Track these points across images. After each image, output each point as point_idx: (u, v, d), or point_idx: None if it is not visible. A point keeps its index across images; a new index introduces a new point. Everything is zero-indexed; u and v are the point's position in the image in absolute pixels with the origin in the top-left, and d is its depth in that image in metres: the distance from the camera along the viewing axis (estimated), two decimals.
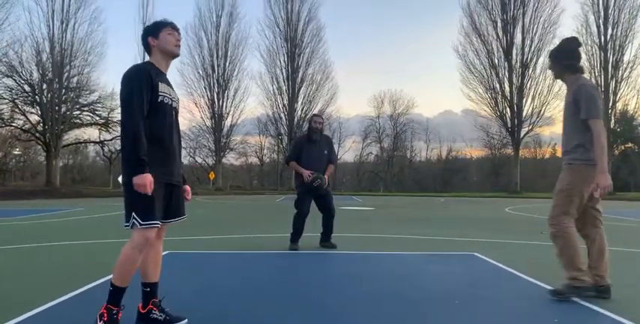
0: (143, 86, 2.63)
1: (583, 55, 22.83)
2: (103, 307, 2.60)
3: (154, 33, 2.87)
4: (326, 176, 5.96)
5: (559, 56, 3.65)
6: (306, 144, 6.04)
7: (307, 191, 5.93)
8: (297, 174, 6.04)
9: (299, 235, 6.01)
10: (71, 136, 38.53)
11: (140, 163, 2.54)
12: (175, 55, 2.91)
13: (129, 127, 2.56)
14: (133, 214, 2.59)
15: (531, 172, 46.35)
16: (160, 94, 2.72)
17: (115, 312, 2.59)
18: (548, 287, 3.76)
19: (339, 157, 51.47)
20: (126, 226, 2.62)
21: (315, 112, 39.51)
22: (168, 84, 2.85)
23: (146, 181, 2.52)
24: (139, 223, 2.58)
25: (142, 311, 2.79)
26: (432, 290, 3.77)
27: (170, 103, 2.80)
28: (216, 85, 39.62)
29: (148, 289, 2.81)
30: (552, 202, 3.61)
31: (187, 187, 2.98)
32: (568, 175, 3.55)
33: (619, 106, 34.81)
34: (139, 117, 2.58)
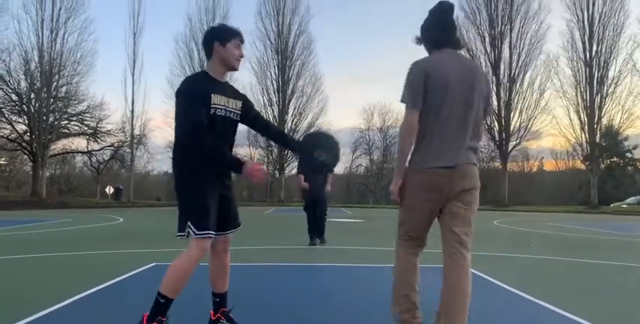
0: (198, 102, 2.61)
1: (568, 71, 22.88)
2: (145, 318, 2.54)
3: (223, 40, 2.75)
4: (329, 185, 7.83)
5: (422, 31, 2.72)
6: None
7: (314, 197, 7.76)
8: (305, 186, 7.81)
9: (313, 230, 7.79)
10: (58, 146, 38.12)
11: (232, 160, 2.66)
12: (234, 70, 2.86)
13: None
14: (189, 223, 2.55)
15: (519, 185, 46.72)
16: (212, 106, 2.66)
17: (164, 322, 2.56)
18: (537, 301, 3.79)
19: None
20: (180, 235, 2.58)
21: (305, 124, 39.76)
22: (225, 93, 2.77)
23: (256, 166, 2.64)
24: (194, 232, 2.54)
25: (213, 318, 2.88)
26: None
27: (224, 114, 2.73)
28: None
29: (218, 299, 2.89)
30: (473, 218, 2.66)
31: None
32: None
33: (604, 121, 35.32)
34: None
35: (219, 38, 2.76)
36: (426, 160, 2.48)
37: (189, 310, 3.44)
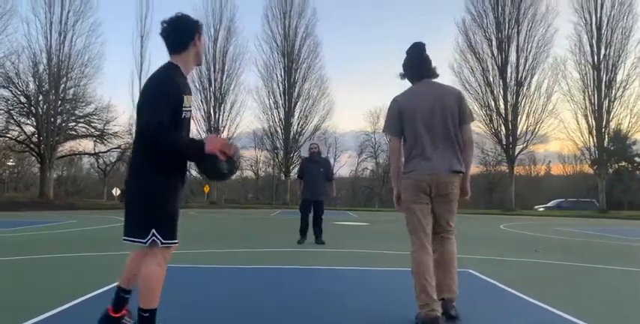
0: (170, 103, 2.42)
1: (576, 74, 23.42)
2: None
3: (200, 33, 2.59)
4: (332, 192, 8.80)
5: (403, 66, 3.40)
6: (309, 163, 8.42)
7: (308, 199, 8.29)
8: (303, 187, 8.38)
9: (305, 230, 8.27)
10: (66, 147, 38.36)
11: (194, 142, 2.46)
12: (200, 66, 2.75)
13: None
14: (153, 231, 2.39)
15: (526, 189, 46.48)
16: (183, 109, 2.49)
17: None
18: (543, 305, 3.74)
19: (335, 172, 52.02)
20: (139, 241, 2.42)
21: (311, 127, 39.72)
22: (190, 92, 2.61)
23: (214, 139, 2.45)
24: (161, 241, 2.39)
25: (115, 315, 2.60)
26: None
27: (189, 115, 2.57)
28: (212, 98, 39.71)
29: (127, 296, 2.64)
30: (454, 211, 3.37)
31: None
32: None
33: (612, 125, 35.08)
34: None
35: (199, 31, 2.59)
36: (412, 171, 3.19)
37: (190, 313, 3.43)
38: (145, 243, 2.41)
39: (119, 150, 40.22)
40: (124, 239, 2.51)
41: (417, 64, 3.32)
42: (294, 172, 41.77)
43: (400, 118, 3.23)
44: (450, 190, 3.17)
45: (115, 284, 2.75)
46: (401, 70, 3.38)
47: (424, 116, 3.16)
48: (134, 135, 2.55)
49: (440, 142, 3.16)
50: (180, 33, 2.54)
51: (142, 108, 2.46)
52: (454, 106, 3.21)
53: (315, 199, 8.34)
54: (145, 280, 2.43)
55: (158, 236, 2.40)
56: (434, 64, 3.35)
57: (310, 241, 8.28)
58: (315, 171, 8.30)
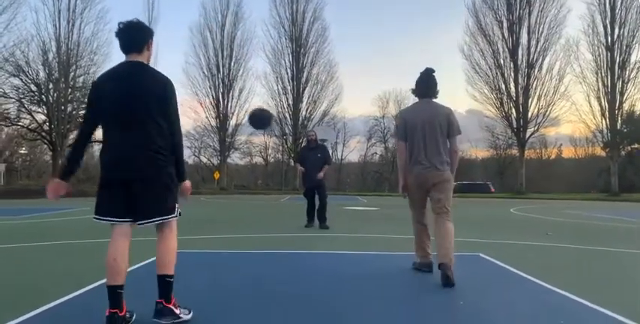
0: None
1: (588, 56, 26.07)
2: (171, 302, 2.74)
3: (153, 40, 2.90)
4: (321, 173, 8.38)
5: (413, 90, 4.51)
6: (307, 151, 8.67)
7: (309, 184, 8.51)
8: (303, 175, 8.61)
9: (312, 213, 8.55)
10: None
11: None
12: None
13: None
14: (177, 205, 2.85)
15: (536, 172, 46.17)
16: None
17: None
18: (555, 289, 3.73)
19: (343, 156, 52.69)
20: (173, 217, 2.82)
21: (320, 112, 39.77)
22: None
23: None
24: (180, 213, 2.90)
25: (122, 314, 2.64)
26: (436, 291, 3.74)
27: None
28: (221, 84, 39.67)
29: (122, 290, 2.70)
30: (447, 197, 4.26)
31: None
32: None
33: (625, 106, 34.60)
34: None
35: (153, 38, 2.90)
36: (413, 169, 4.29)
37: (207, 298, 3.46)
38: (177, 216, 2.85)
39: None
40: (144, 222, 2.75)
41: (426, 85, 4.41)
42: None
43: (405, 128, 4.31)
44: (440, 181, 4.22)
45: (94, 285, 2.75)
46: (412, 86, 4.47)
47: (423, 129, 4.23)
48: (152, 124, 2.74)
49: (433, 148, 4.22)
50: (144, 36, 2.86)
51: (172, 110, 2.82)
52: (445, 122, 4.27)
53: (315, 184, 8.49)
54: (173, 251, 2.82)
55: (179, 209, 2.88)
56: (438, 86, 4.46)
57: (318, 226, 8.39)
58: (312, 158, 8.49)
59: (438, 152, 4.21)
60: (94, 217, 2.78)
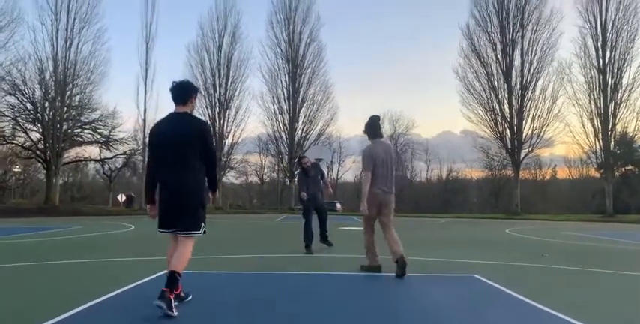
0: None
1: (581, 78, 26.78)
2: (177, 290, 3.47)
3: (197, 95, 3.91)
4: (328, 189, 8.79)
5: (367, 131, 5.73)
6: (305, 178, 8.50)
7: (313, 203, 8.31)
8: (304, 196, 8.39)
9: (310, 238, 8.00)
10: (71, 154, 38.56)
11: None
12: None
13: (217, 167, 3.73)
14: (203, 224, 3.71)
15: (532, 193, 46.26)
16: None
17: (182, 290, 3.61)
18: (551, 311, 3.70)
19: (339, 176, 52.20)
20: (197, 233, 3.68)
21: (316, 131, 39.90)
22: None
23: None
24: (205, 231, 3.73)
25: (177, 292, 3.49)
26: (431, 312, 3.71)
27: None
28: (217, 104, 39.83)
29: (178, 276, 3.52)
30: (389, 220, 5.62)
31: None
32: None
33: (618, 128, 34.93)
34: None
35: (197, 93, 3.92)
36: (374, 193, 5.49)
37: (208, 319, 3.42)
38: (201, 233, 3.70)
39: (124, 156, 40.42)
40: (179, 233, 3.67)
41: (375, 129, 5.70)
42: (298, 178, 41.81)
43: (374, 163, 5.50)
44: (391, 202, 5.62)
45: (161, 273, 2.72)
46: (363, 129, 5.77)
47: (381, 163, 5.51)
48: (192, 160, 3.67)
49: (389, 177, 5.56)
50: (189, 91, 3.83)
51: (207, 148, 3.72)
52: (394, 158, 5.76)
53: (319, 203, 8.44)
54: (187, 255, 3.63)
55: (205, 227, 3.75)
56: (382, 127, 5.91)
57: (317, 245, 8.20)
58: (311, 182, 8.40)
59: (392, 181, 5.61)
60: (159, 230, 3.77)
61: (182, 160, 3.59)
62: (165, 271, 3.63)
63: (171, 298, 3.32)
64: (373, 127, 5.66)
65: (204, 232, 3.69)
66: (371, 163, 5.45)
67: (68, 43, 32.52)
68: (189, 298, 3.82)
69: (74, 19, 32.73)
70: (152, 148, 3.78)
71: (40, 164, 38.72)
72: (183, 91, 3.76)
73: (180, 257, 3.56)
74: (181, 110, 3.74)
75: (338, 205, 39.50)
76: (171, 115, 3.77)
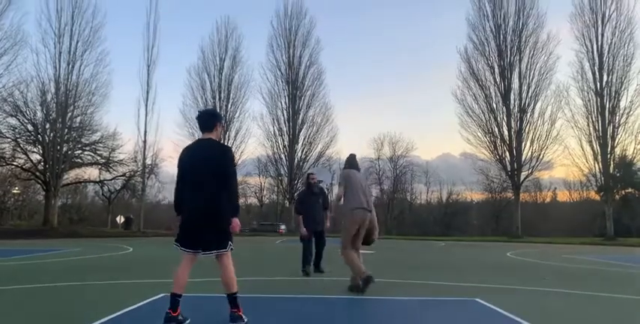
0: None
1: (579, 101, 28.12)
2: (239, 311, 3.83)
3: (222, 122, 4.20)
4: (327, 223, 8.25)
5: (345, 164, 6.73)
6: (308, 196, 8.22)
7: (313, 228, 8.03)
8: (303, 218, 8.07)
9: (308, 262, 7.97)
10: (71, 175, 38.51)
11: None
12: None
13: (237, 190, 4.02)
14: (230, 242, 3.90)
15: (532, 216, 46.06)
16: None
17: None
18: None
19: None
20: (223, 251, 3.87)
21: (315, 153, 39.96)
22: None
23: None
24: (232, 248, 3.93)
25: (175, 314, 3.69)
26: None
27: None
28: None
29: (180, 299, 3.75)
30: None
31: None
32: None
33: (617, 151, 35.02)
34: None
35: (222, 121, 4.18)
36: (354, 212, 6.08)
37: None
38: (227, 250, 3.88)
39: (124, 177, 40.39)
40: (206, 253, 3.86)
41: (350, 164, 6.60)
42: None
43: (346, 182, 6.27)
44: (373, 220, 6.27)
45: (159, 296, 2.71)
46: (344, 162, 6.80)
47: (357, 184, 6.27)
48: (214, 182, 3.86)
49: (367, 197, 6.27)
50: (213, 118, 4.17)
51: (229, 172, 3.92)
52: (367, 184, 6.73)
53: (316, 229, 8.08)
54: (230, 274, 3.88)
55: (232, 245, 3.94)
56: (360, 163, 6.99)
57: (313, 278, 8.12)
58: (314, 203, 8.12)
59: (370, 202, 6.35)
60: (175, 244, 3.92)
61: (208, 182, 3.82)
62: (169, 293, 3.77)
63: (240, 314, 3.80)
64: (350, 162, 6.67)
65: (232, 249, 3.91)
66: (345, 180, 6.32)
67: (70, 66, 32.83)
68: (188, 321, 3.81)
69: (77, 42, 33.12)
70: (181, 172, 4.01)
71: (39, 185, 38.64)
72: (208, 119, 4.10)
73: (227, 278, 3.88)
74: (207, 137, 4.04)
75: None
76: (198, 141, 4.12)
